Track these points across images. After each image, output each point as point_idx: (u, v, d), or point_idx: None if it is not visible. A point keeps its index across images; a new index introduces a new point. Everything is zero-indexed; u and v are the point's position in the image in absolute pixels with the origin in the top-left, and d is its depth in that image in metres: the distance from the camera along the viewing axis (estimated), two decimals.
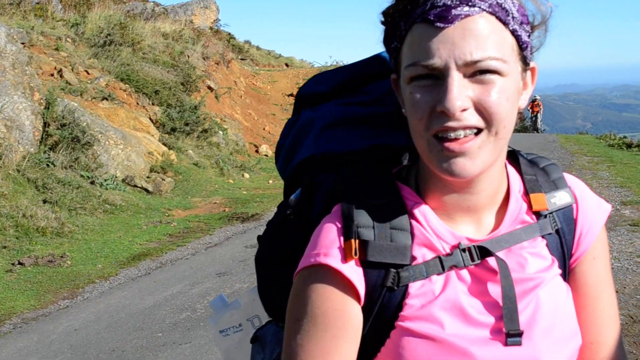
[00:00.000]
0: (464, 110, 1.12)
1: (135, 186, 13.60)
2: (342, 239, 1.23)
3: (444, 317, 1.22)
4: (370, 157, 1.41)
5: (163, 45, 22.15)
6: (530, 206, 1.33)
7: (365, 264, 1.22)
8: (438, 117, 1.14)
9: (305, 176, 1.49)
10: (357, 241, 1.22)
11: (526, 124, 39.25)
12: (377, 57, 1.57)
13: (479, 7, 1.12)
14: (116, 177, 13.43)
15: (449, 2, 1.12)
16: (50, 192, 11.24)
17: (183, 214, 12.75)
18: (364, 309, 1.24)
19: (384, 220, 1.24)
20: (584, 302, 1.36)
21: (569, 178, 1.41)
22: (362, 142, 1.46)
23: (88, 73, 16.51)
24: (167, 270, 8.99)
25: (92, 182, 12.60)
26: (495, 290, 1.25)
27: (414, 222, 1.27)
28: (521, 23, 1.19)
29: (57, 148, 12.49)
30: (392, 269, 1.22)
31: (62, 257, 9.17)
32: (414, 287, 1.23)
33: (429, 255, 1.25)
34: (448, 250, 1.26)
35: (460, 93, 1.11)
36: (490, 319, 1.23)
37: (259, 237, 1.64)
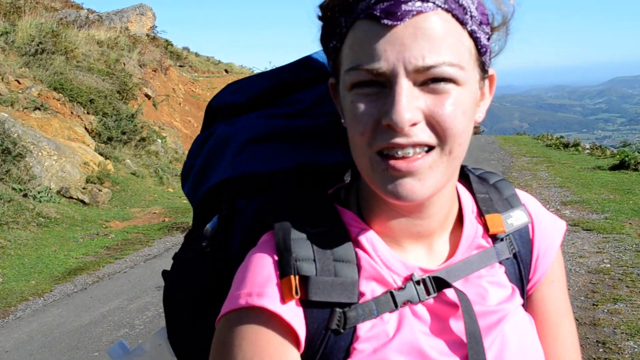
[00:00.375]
0: (413, 124, 0.96)
1: (71, 198, 13.23)
2: (278, 274, 1.04)
3: None
4: (300, 178, 1.24)
5: (98, 53, 21.76)
6: (486, 229, 1.19)
7: (306, 303, 1.04)
8: (383, 132, 0.97)
9: (222, 202, 1.28)
10: (297, 277, 1.03)
11: None
12: (304, 62, 1.37)
13: (433, 3, 0.95)
14: (50, 189, 13.03)
15: None
16: None
17: (121, 225, 12.44)
18: (303, 356, 1.05)
19: (327, 252, 1.06)
20: (544, 330, 1.25)
21: (521, 194, 1.30)
22: (289, 161, 1.27)
23: (19, 82, 16.06)
24: (105, 284, 8.70)
25: (25, 195, 12.19)
26: (457, 326, 1.10)
27: (360, 251, 1.10)
28: (480, 23, 1.02)
29: None
30: (338, 309, 1.04)
31: None
32: (364, 329, 1.05)
33: (379, 290, 1.08)
34: (400, 284, 1.09)
35: (410, 104, 0.95)
36: (455, 358, 1.08)
37: (164, 273, 1.44)
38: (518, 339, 1.14)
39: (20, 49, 18.05)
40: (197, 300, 1.27)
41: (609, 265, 7.52)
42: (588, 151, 20.32)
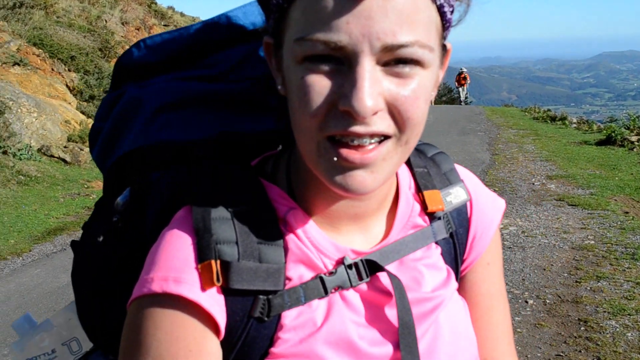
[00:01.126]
0: (375, 113, 0.86)
1: (52, 156, 13.12)
2: (196, 258, 0.94)
3: (328, 354, 0.98)
4: (221, 148, 1.13)
5: (78, 9, 21.47)
6: (423, 206, 1.13)
7: (227, 290, 0.95)
8: (338, 117, 0.86)
9: (134, 173, 1.16)
10: (218, 262, 0.93)
11: (454, 95, 39.81)
12: (224, 19, 1.21)
13: None
14: (31, 146, 12.91)
15: None
16: None
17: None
18: (223, 343, 0.97)
19: (250, 233, 0.96)
20: (476, 313, 1.21)
21: (460, 170, 1.22)
22: (209, 129, 1.15)
23: None
24: None
25: (5, 152, 12.09)
26: (390, 314, 1.04)
27: (287, 233, 1.01)
28: None
29: None
30: (262, 296, 0.96)
31: None
32: (289, 317, 0.98)
33: (308, 274, 1.00)
34: (330, 267, 1.02)
35: (373, 89, 0.84)
36: (385, 350, 1.02)
37: (73, 244, 1.30)
38: (451, 327, 1.09)
39: None
40: (106, 278, 1.16)
41: (593, 242, 7.55)
42: (575, 125, 20.38)
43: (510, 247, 7.47)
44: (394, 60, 0.85)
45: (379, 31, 0.82)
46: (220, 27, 1.21)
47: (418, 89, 0.88)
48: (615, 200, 9.53)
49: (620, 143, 14.58)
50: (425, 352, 1.04)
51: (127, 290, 1.00)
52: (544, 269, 6.72)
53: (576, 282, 6.32)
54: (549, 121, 21.90)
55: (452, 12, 0.93)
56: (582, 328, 5.27)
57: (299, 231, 1.01)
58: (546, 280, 6.39)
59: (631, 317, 5.42)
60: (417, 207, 1.13)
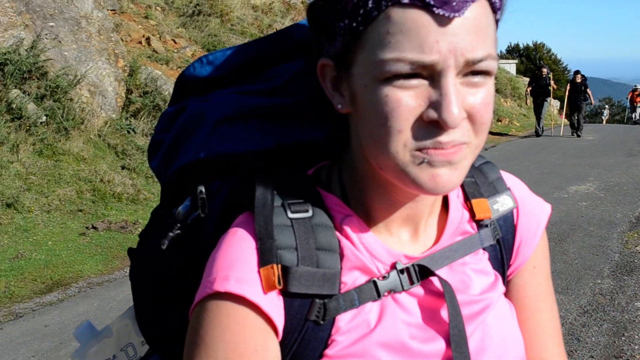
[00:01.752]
0: (462, 120, 0.91)
1: None
2: (258, 261, 0.98)
3: (381, 354, 1.01)
4: (279, 159, 1.17)
5: (252, 17, 22.24)
6: (472, 214, 1.16)
7: (286, 293, 0.98)
8: (426, 129, 0.91)
9: (195, 183, 1.19)
10: (279, 266, 0.97)
11: (628, 115, 37.81)
12: (282, 34, 1.26)
13: None
14: None
15: None
16: (129, 159, 11.44)
17: None
18: (280, 345, 1.00)
19: (308, 239, 1.00)
20: (524, 315, 1.23)
21: (507, 176, 1.24)
22: (267, 141, 1.18)
23: (175, 42, 16.71)
24: None
25: None
26: (441, 315, 1.07)
27: (343, 240, 1.04)
28: (499, 9, 0.96)
29: (139, 115, 12.71)
30: (318, 300, 0.99)
31: (134, 223, 9.32)
32: (344, 320, 1.01)
33: (362, 279, 1.04)
34: (384, 272, 1.05)
35: (459, 101, 0.89)
36: (437, 348, 1.05)
37: (130, 251, 1.37)
38: (499, 328, 1.12)
39: (178, 10, 18.78)
40: (166, 286, 1.21)
41: None
42: None
43: None
44: (470, 72, 0.91)
45: (463, 48, 0.88)
46: (277, 42, 1.26)
47: (488, 96, 0.94)
48: None
49: None
50: (475, 351, 1.06)
51: (186, 297, 1.06)
52: None
53: None
54: None
55: (498, 24, 0.98)
56: None
57: (354, 238, 1.05)
58: None
59: None
60: (466, 214, 1.16)
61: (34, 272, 7.42)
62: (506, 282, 1.21)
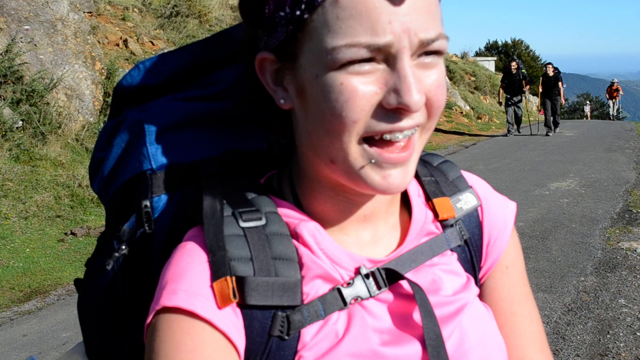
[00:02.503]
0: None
1: None
2: (211, 275, 0.92)
3: None
4: (227, 167, 1.10)
5: (230, 17, 22.14)
6: (435, 214, 1.11)
7: (244, 307, 0.92)
8: (383, 116, 0.87)
9: (139, 198, 1.11)
10: (233, 278, 0.91)
11: (606, 109, 38.01)
12: (222, 37, 1.20)
13: None
14: None
15: None
16: None
17: None
18: None
19: (264, 249, 0.94)
20: (500, 320, 1.15)
21: (467, 175, 1.20)
22: (214, 148, 1.13)
23: (153, 44, 16.61)
24: None
25: None
26: (413, 319, 1.01)
27: (301, 247, 0.98)
28: None
29: None
30: (280, 312, 0.93)
31: None
32: (310, 333, 0.94)
33: (325, 287, 0.97)
34: (347, 279, 0.99)
35: (419, 84, 0.86)
36: (412, 353, 0.98)
37: (77, 282, 1.27)
38: (477, 331, 1.05)
39: (156, 11, 18.70)
40: (118, 311, 1.13)
41: None
42: None
43: None
44: (423, 53, 0.88)
45: (416, 28, 0.84)
46: (218, 45, 1.20)
47: (441, 77, 0.91)
48: None
49: None
50: (454, 355, 1.00)
51: (138, 319, 1.00)
52: None
53: None
54: None
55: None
56: None
57: (312, 244, 0.99)
58: None
59: None
60: (430, 214, 1.11)
61: (11, 281, 7.31)
62: (479, 285, 1.16)
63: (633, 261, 7.50)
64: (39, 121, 10.80)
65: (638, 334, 5.52)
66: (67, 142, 11.18)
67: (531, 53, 63.69)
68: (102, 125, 11.94)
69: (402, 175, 0.91)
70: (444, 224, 1.11)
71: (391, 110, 0.87)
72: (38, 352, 5.48)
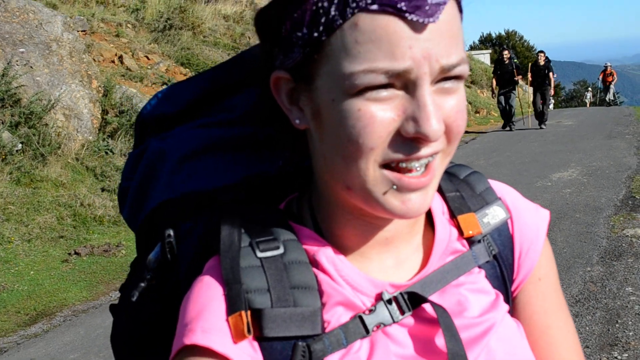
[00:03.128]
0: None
1: None
2: (227, 309, 0.90)
3: None
4: (249, 192, 1.09)
5: (224, 27, 22.17)
6: (460, 231, 1.06)
7: (263, 339, 0.90)
8: (400, 144, 0.84)
9: (164, 227, 1.10)
10: (249, 313, 0.89)
11: (602, 96, 37.60)
12: (238, 61, 1.19)
13: None
14: None
15: None
16: (109, 180, 11.25)
17: None
18: None
19: (282, 278, 0.92)
20: (534, 334, 1.11)
21: (496, 186, 1.15)
22: (234, 174, 1.10)
23: (148, 58, 16.58)
24: None
25: None
26: (438, 344, 0.97)
27: (321, 275, 0.96)
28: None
29: (116, 135, 12.51)
30: (300, 342, 0.90)
31: (117, 246, 9.12)
32: None
33: (346, 315, 0.94)
34: (369, 305, 0.96)
35: (438, 112, 0.83)
36: None
37: (112, 307, 1.27)
38: (506, 351, 1.00)
39: (149, 25, 18.65)
40: (145, 339, 1.14)
41: None
42: None
43: None
44: (443, 78, 0.85)
45: (437, 53, 0.81)
46: (233, 71, 1.18)
47: (461, 102, 0.88)
48: None
49: None
50: None
51: (165, 348, 0.99)
52: None
53: None
54: None
55: None
56: None
57: (332, 271, 0.96)
58: None
59: None
60: (455, 232, 1.07)
61: (17, 304, 7.25)
62: (511, 300, 1.11)
63: (639, 248, 7.45)
64: (38, 143, 10.76)
65: None
66: (68, 162, 11.13)
67: (525, 43, 63.80)
68: (101, 142, 11.94)
69: (421, 199, 0.89)
70: (471, 241, 1.06)
71: (409, 138, 0.84)
72: None
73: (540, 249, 1.12)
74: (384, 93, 0.82)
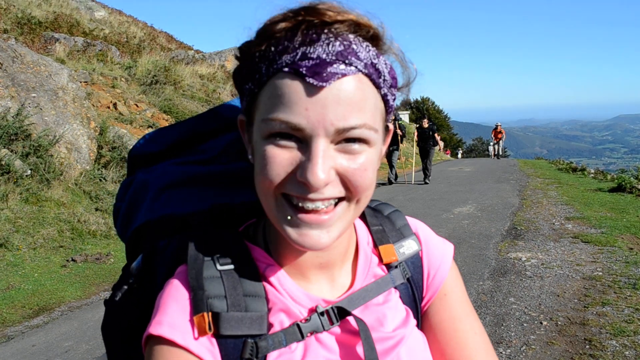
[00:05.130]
0: (326, 184, 0.84)
1: None
2: (191, 311, 0.91)
3: None
4: (214, 218, 1.10)
5: (199, 84, 22.11)
6: (380, 258, 1.08)
7: (220, 338, 0.92)
8: (294, 184, 0.84)
9: (145, 242, 1.13)
10: (209, 314, 0.91)
11: (485, 152, 37.16)
12: (212, 113, 1.22)
13: (355, 67, 0.82)
14: None
15: (324, 56, 0.81)
16: (102, 202, 11.03)
17: None
18: None
19: (237, 288, 0.94)
20: (445, 339, 1.10)
21: (412, 222, 1.17)
22: (203, 203, 1.12)
23: (137, 106, 16.39)
24: None
25: None
26: (358, 351, 0.99)
27: (268, 286, 0.98)
28: (390, 86, 0.89)
29: (109, 166, 12.30)
30: (250, 339, 0.92)
31: (107, 255, 8.95)
32: (272, 357, 0.93)
33: (287, 321, 0.96)
34: (305, 315, 0.98)
35: (326, 165, 0.82)
36: None
37: (105, 301, 1.26)
38: (412, 359, 1.03)
39: (139, 80, 18.48)
40: (129, 333, 1.13)
41: (600, 273, 7.13)
42: (592, 175, 19.60)
43: (530, 277, 7.13)
44: (345, 139, 0.83)
45: (333, 118, 0.80)
46: (209, 120, 1.22)
47: (366, 162, 0.85)
48: (622, 238, 9.02)
49: (629, 190, 13.91)
50: None
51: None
52: (558, 295, 6.40)
53: (584, 307, 5.97)
54: (570, 171, 21.16)
55: (394, 99, 0.92)
56: (587, 346, 4.96)
57: (277, 284, 0.98)
58: (559, 305, 6.08)
59: (629, 337, 5.07)
60: (375, 259, 1.08)
61: (23, 300, 7.03)
62: (420, 315, 1.13)
63: (519, 268, 7.61)
64: (44, 170, 10.51)
65: (525, 324, 5.58)
66: (68, 186, 10.89)
67: (436, 107, 65.00)
68: (96, 171, 11.72)
69: (319, 236, 0.87)
70: (389, 266, 1.08)
71: (300, 182, 0.84)
72: (45, 359, 5.28)
73: (446, 273, 1.13)
74: (284, 141, 0.83)
